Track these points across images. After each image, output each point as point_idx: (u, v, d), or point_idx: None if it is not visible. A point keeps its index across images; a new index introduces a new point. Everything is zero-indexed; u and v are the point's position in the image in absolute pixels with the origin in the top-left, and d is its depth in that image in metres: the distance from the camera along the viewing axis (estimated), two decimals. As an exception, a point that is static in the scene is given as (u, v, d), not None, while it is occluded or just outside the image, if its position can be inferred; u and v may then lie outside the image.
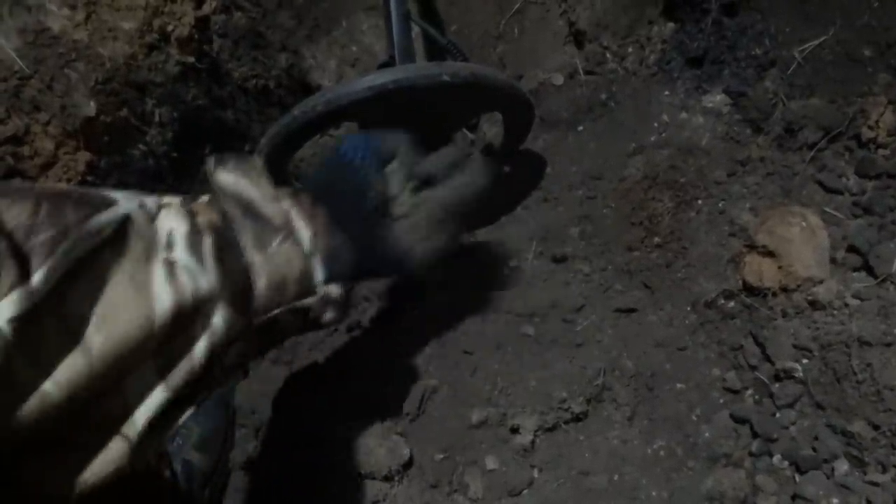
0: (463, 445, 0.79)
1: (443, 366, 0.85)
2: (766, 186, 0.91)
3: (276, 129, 0.76)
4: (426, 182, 0.63)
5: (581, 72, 1.09)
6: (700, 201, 0.92)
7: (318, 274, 0.54)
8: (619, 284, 0.91)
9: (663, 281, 0.89)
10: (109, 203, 0.43)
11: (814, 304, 0.77)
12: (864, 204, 0.84)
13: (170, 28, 0.87)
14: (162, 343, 0.43)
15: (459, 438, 0.79)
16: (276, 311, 0.52)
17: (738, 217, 0.89)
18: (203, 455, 0.85)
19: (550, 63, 1.13)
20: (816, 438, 0.72)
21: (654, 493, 0.75)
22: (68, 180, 0.79)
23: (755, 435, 0.76)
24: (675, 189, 0.93)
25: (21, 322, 0.36)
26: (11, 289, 0.36)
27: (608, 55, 1.10)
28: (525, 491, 0.77)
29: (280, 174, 0.81)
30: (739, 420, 0.78)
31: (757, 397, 0.79)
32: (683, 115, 1.01)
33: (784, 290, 0.79)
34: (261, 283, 0.50)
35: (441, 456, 0.78)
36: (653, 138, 1.00)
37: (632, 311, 0.88)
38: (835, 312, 0.75)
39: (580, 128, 1.07)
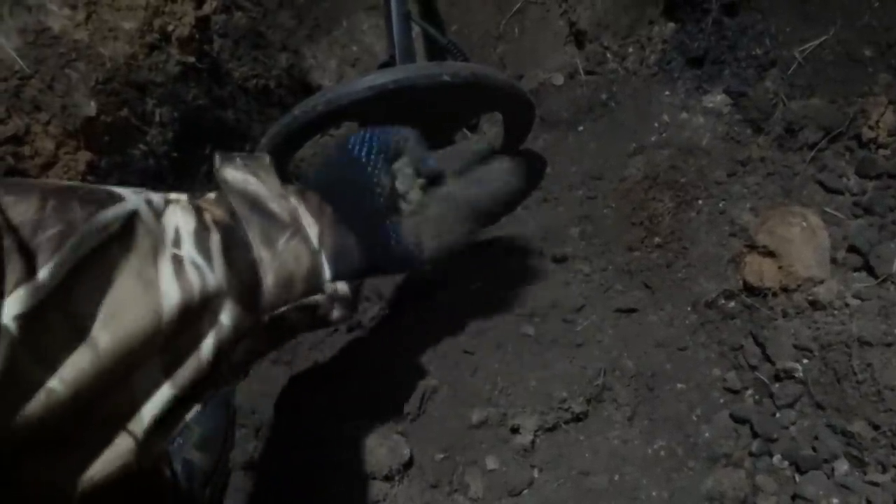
0: (463, 445, 0.79)
1: (443, 366, 0.85)
2: (766, 186, 0.91)
3: (276, 129, 0.76)
4: (435, 179, 0.63)
5: (581, 72, 1.09)
6: (700, 201, 0.92)
7: (326, 271, 0.54)
8: (619, 284, 0.91)
9: (664, 281, 0.89)
10: (116, 199, 0.43)
11: (814, 304, 0.77)
12: (864, 204, 0.84)
13: (170, 28, 0.87)
14: (169, 340, 0.43)
15: (460, 438, 0.79)
16: (283, 309, 0.51)
17: (739, 217, 0.89)
18: (204, 454, 0.85)
19: (551, 63, 1.13)
20: (816, 438, 0.72)
21: (654, 493, 0.75)
22: (69, 180, 0.79)
23: (755, 435, 0.76)
24: (676, 189, 0.93)
25: (27, 319, 0.35)
26: (17, 285, 0.35)
27: (609, 55, 1.10)
28: (525, 491, 0.77)
29: (280, 174, 0.81)
30: (739, 420, 0.78)
31: (757, 397, 0.79)
32: (684, 115, 1.01)
33: (784, 290, 0.79)
34: (268, 280, 0.50)
35: (441, 456, 0.78)
36: (653, 138, 1.00)
37: (632, 311, 0.88)
38: (835, 312, 0.75)
39: (580, 128, 1.07)
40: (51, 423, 0.38)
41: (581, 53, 1.11)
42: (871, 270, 0.78)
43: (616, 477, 0.77)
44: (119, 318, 0.40)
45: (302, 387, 0.89)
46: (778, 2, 0.95)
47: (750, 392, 0.80)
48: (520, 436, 0.79)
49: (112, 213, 0.42)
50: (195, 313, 0.44)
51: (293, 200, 0.54)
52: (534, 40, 1.14)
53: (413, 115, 0.74)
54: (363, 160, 0.59)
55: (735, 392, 0.81)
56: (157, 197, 0.47)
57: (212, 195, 0.53)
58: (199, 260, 0.45)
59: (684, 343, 0.85)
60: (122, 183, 0.85)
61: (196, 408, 0.47)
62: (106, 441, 0.41)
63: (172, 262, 0.44)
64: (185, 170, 0.94)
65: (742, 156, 0.94)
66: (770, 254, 0.81)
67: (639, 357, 0.84)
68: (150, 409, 0.43)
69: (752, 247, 0.83)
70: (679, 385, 0.83)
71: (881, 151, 0.86)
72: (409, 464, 0.78)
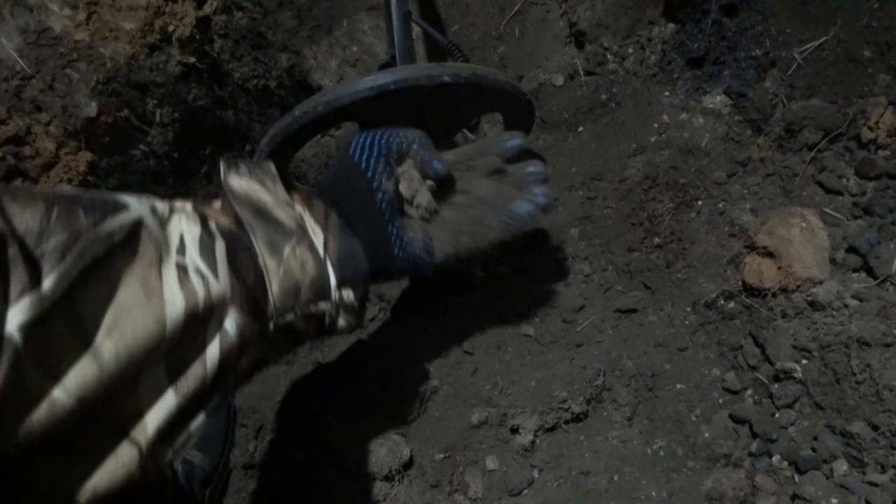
0: (463, 445, 0.79)
1: (443, 366, 0.85)
2: (766, 187, 0.91)
3: (276, 130, 0.76)
4: (445, 181, 0.62)
5: (581, 72, 1.09)
6: (700, 202, 0.93)
7: (332, 278, 0.54)
8: (619, 285, 0.91)
9: (663, 281, 0.89)
10: (121, 207, 0.43)
11: (813, 305, 0.77)
12: (864, 205, 0.84)
13: (171, 28, 0.87)
14: (173, 348, 0.43)
15: (460, 438, 0.79)
16: (289, 316, 0.51)
17: (739, 218, 0.89)
18: (204, 454, 0.85)
19: (551, 64, 1.13)
20: (816, 439, 0.72)
21: (654, 494, 0.75)
22: (69, 180, 0.79)
23: (755, 435, 0.76)
24: (676, 189, 0.93)
25: (32, 328, 0.35)
26: (22, 294, 0.35)
27: (609, 56, 1.10)
28: (525, 491, 0.77)
29: (281, 174, 0.81)
30: (739, 420, 0.78)
31: (756, 398, 0.79)
32: (684, 115, 1.01)
33: (784, 290, 0.79)
34: (274, 287, 0.49)
35: (441, 456, 0.78)
36: (653, 139, 1.00)
37: (632, 311, 0.88)
38: (834, 313, 0.75)
39: (580, 128, 1.07)
40: (55, 431, 0.37)
41: (581, 54, 1.11)
42: (870, 271, 0.78)
43: (616, 477, 0.77)
44: (123, 326, 0.40)
45: (302, 387, 0.89)
46: (778, 2, 0.95)
47: (749, 392, 0.80)
48: (520, 436, 0.79)
49: (117, 221, 0.42)
50: (200, 321, 0.44)
51: (298, 208, 0.54)
52: (534, 41, 1.14)
53: (413, 115, 0.74)
54: (364, 165, 0.59)
55: (734, 392, 0.81)
56: (161, 204, 0.47)
57: (217, 203, 0.52)
58: (204, 268, 0.45)
59: (684, 343, 0.85)
60: (122, 183, 0.85)
61: (201, 417, 0.47)
62: (110, 449, 0.41)
63: (177, 270, 0.44)
64: (186, 170, 0.95)
65: (742, 156, 0.94)
66: (770, 254, 0.81)
67: (639, 357, 0.84)
68: (155, 417, 0.43)
69: (752, 247, 0.83)
70: (679, 385, 0.83)
71: (881, 152, 0.86)
72: (409, 464, 0.78)
